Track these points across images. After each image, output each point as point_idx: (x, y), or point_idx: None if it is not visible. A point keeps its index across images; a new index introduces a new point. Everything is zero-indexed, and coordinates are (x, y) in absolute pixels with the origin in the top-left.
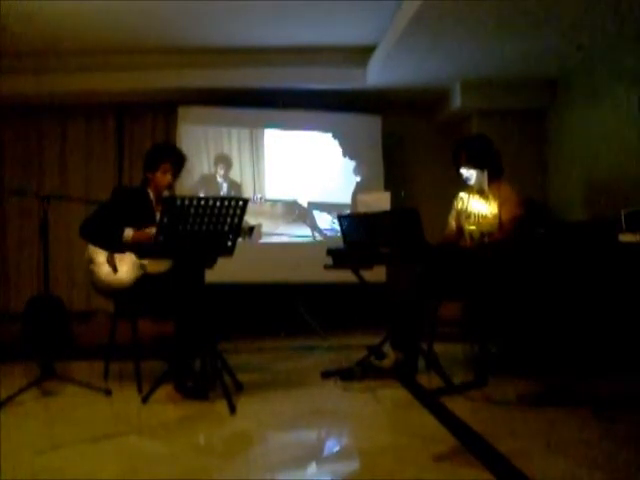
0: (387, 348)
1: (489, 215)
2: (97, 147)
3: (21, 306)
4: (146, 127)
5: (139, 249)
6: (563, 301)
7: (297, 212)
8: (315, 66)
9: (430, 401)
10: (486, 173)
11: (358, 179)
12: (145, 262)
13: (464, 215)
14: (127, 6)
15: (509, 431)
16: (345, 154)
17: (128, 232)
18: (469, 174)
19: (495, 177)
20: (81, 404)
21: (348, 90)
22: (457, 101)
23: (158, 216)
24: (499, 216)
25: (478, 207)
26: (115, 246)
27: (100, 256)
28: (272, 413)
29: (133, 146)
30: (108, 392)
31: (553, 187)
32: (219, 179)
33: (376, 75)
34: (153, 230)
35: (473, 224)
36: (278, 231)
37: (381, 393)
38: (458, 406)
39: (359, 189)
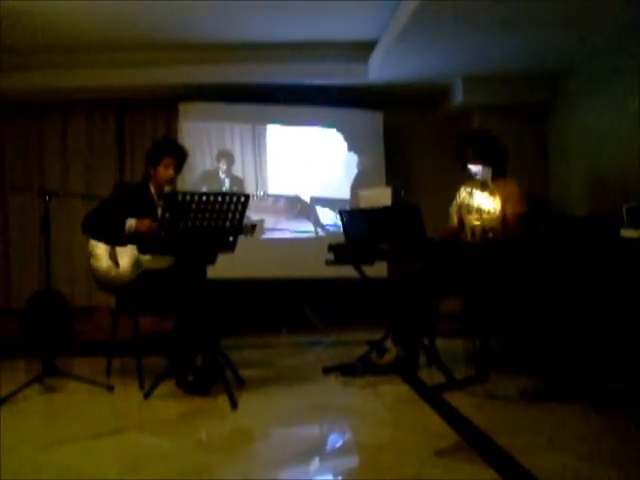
0: (388, 344)
1: (492, 210)
2: (98, 143)
3: (23, 302)
4: (147, 123)
5: (142, 241)
6: (564, 297)
7: (299, 207)
8: (316, 61)
9: (431, 397)
10: (491, 168)
11: (358, 173)
12: (145, 259)
13: (466, 209)
14: (128, 3)
15: (511, 426)
16: (348, 149)
17: (130, 222)
18: (476, 169)
19: (500, 173)
20: (83, 400)
21: (349, 85)
22: (459, 96)
23: (159, 212)
24: (503, 212)
25: (482, 202)
26: (117, 239)
27: (99, 250)
28: (274, 408)
29: (134, 142)
30: (110, 388)
31: (554, 182)
32: (221, 175)
33: (377, 70)
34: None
35: (477, 219)
36: (280, 227)
37: (382, 389)
38: (460, 402)
39: (358, 182)
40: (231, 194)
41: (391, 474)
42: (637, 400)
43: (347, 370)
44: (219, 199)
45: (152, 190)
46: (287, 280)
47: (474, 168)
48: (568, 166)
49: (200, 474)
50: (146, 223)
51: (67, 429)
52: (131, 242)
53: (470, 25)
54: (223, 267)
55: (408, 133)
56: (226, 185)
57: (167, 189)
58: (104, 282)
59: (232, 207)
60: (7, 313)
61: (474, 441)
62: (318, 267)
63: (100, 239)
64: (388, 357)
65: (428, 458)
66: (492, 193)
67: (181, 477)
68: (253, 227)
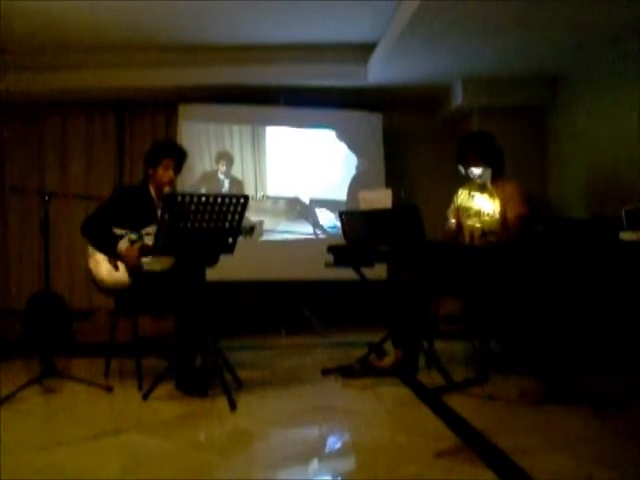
0: (388, 346)
1: (492, 212)
2: (97, 144)
3: (22, 303)
4: (147, 124)
5: (127, 266)
6: (564, 299)
7: (299, 209)
8: (316, 63)
9: (431, 399)
10: (490, 170)
11: (356, 174)
12: (145, 260)
13: (465, 211)
14: (128, 3)
15: (510, 428)
16: (347, 150)
17: (122, 244)
18: (477, 171)
19: (499, 174)
20: (82, 401)
21: (349, 87)
22: (458, 98)
23: (159, 213)
24: (503, 214)
25: (482, 204)
26: (110, 253)
27: (98, 254)
28: (272, 410)
29: (134, 143)
30: (109, 389)
31: (553, 184)
32: (220, 176)
33: (377, 72)
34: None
35: (476, 221)
36: (280, 228)
37: (381, 390)
38: (459, 403)
39: (357, 184)
40: (230, 195)
41: (390, 476)
42: (636, 402)
43: (346, 372)
44: (218, 200)
45: (152, 192)
46: (286, 282)
47: (475, 170)
48: (567, 168)
49: (199, 475)
50: (133, 256)
51: (66, 430)
52: (120, 260)
53: (469, 27)
54: (222, 269)
55: (408, 135)
56: (225, 186)
57: (166, 190)
58: (103, 286)
59: (231, 208)
60: (7, 314)
61: (473, 443)
62: (317, 269)
63: (95, 247)
64: (388, 360)
65: (427, 460)
66: (492, 195)
67: (180, 478)
68: (252, 228)
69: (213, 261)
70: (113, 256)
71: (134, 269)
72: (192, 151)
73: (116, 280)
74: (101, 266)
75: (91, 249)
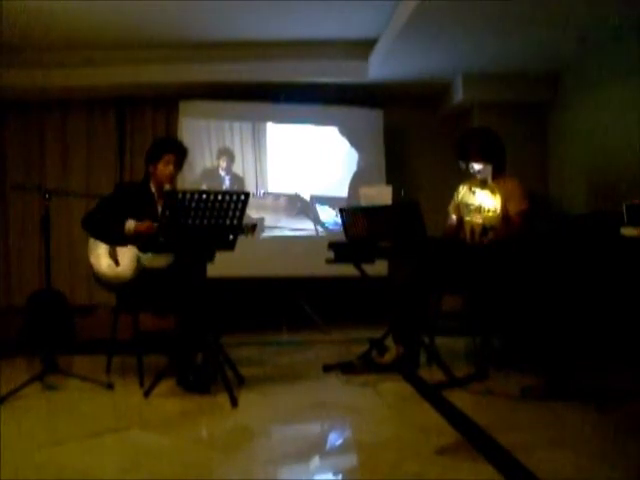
0: (389, 342)
1: (493, 208)
2: (98, 141)
3: (23, 300)
4: (147, 121)
5: (141, 241)
6: (565, 295)
7: (299, 206)
8: (316, 60)
9: (432, 394)
10: (490, 166)
11: (357, 171)
12: (145, 257)
13: (465, 207)
14: (129, 2)
15: (511, 424)
16: (348, 147)
17: (130, 223)
18: (477, 167)
19: (500, 171)
20: (83, 398)
21: (350, 84)
22: (459, 94)
23: (160, 210)
24: (505, 210)
25: (483, 200)
26: (117, 239)
27: (100, 248)
28: (274, 406)
29: (134, 140)
30: (110, 386)
31: (554, 180)
32: (221, 173)
33: (377, 69)
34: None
35: (478, 218)
36: (280, 225)
37: (383, 387)
38: (460, 399)
39: (358, 180)
40: (231, 192)
41: (391, 472)
42: (637, 398)
43: (348, 368)
44: (219, 197)
45: (153, 189)
46: (287, 278)
47: (476, 166)
48: (568, 164)
49: (200, 472)
50: (146, 224)
51: (67, 427)
52: (131, 243)
53: (470, 23)
54: (223, 265)
55: (408, 131)
56: (226, 183)
57: (167, 187)
58: (104, 281)
59: (232, 205)
60: (8, 311)
61: (474, 439)
62: (318, 265)
63: (99, 238)
64: (388, 357)
65: (428, 456)
66: (493, 191)
67: (181, 475)
68: (253, 227)
69: (209, 257)
70: (122, 241)
71: (153, 237)
72: (193, 148)
73: (117, 274)
74: (102, 261)
75: (92, 244)
